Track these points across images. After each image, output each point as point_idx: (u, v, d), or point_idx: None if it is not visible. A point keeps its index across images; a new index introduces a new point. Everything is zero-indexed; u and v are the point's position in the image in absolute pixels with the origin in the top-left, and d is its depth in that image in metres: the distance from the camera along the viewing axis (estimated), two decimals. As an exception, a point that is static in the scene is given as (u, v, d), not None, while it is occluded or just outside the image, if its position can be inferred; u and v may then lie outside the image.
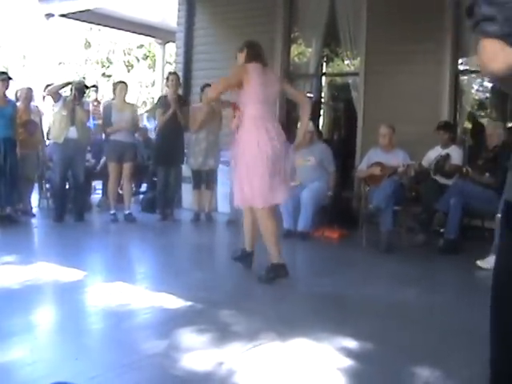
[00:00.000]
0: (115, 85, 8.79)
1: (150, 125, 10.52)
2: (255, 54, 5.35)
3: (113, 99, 8.94)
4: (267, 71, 5.38)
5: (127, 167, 8.50)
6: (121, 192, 8.91)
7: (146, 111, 11.56)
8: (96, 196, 10.57)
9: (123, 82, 8.83)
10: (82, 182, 8.43)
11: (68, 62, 23.66)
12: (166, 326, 3.91)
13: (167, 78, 8.91)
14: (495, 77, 1.45)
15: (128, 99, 9.07)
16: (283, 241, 7.26)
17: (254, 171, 5.08)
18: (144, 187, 10.83)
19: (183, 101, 8.74)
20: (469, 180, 6.89)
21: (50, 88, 8.42)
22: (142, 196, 10.45)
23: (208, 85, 8.67)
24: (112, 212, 8.45)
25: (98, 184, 10.84)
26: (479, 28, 1.44)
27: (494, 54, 1.42)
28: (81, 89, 8.25)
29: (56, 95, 8.17)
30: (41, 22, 13.36)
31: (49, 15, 13.05)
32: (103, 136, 9.77)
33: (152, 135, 10.10)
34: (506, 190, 1.58)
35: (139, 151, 9.39)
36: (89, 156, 9.73)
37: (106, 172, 8.92)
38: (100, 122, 10.73)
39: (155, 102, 11.73)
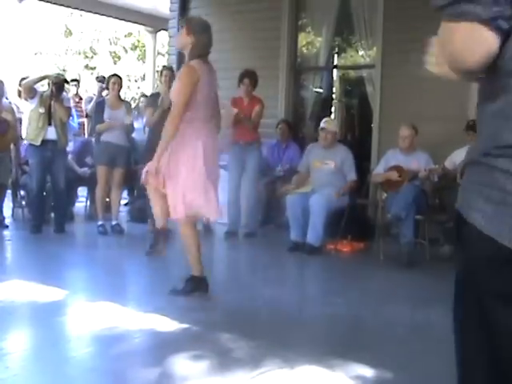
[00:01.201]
0: (108, 79, 8.81)
1: (137, 124, 10.55)
2: (206, 44, 5.14)
3: (99, 96, 8.95)
4: (210, 68, 5.21)
5: (118, 173, 8.50)
6: (108, 200, 8.91)
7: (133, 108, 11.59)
8: (80, 204, 10.57)
9: (117, 76, 8.82)
10: (63, 189, 8.42)
11: (46, 51, 23.74)
12: (158, 352, 3.91)
13: (160, 73, 8.92)
14: (468, 70, 1.35)
15: (122, 96, 9.06)
16: (290, 255, 7.30)
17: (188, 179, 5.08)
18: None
19: None
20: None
21: (23, 82, 8.41)
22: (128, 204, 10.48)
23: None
24: (100, 223, 8.43)
25: (81, 191, 10.85)
26: (455, 9, 1.30)
27: (473, 42, 1.30)
28: (59, 83, 8.23)
29: (31, 91, 8.14)
30: (12, 5, 13.33)
31: (22, -3, 13.06)
32: (85, 136, 9.80)
33: (138, 136, 10.10)
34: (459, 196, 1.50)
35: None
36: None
37: (94, 178, 8.90)
38: (84, 120, 10.76)
39: (140, 96, 11.79)
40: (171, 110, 5.13)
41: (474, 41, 1.30)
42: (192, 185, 5.03)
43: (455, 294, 1.49)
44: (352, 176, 7.78)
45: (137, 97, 22.67)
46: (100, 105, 8.74)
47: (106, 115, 8.40)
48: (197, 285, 5.26)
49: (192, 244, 5.25)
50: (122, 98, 9.00)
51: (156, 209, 5.38)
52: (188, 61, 5.09)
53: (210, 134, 5.19)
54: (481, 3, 1.27)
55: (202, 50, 5.08)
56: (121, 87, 8.71)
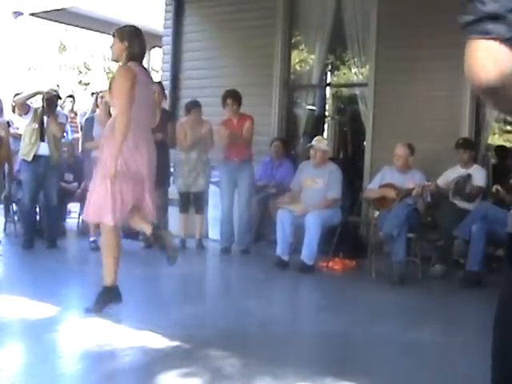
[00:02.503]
0: (97, 95, 8.79)
1: None
2: (139, 49, 5.18)
3: (93, 111, 8.95)
4: (146, 72, 5.32)
5: None
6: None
7: None
8: (72, 220, 10.55)
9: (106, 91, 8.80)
10: (56, 205, 8.41)
11: (40, 67, 23.74)
12: (149, 369, 3.90)
13: None
14: (488, 88, 1.34)
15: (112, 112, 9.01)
16: (275, 272, 7.29)
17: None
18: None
19: (169, 116, 8.77)
20: (499, 201, 6.91)
21: (16, 99, 8.40)
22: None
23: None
24: (92, 239, 8.41)
25: (73, 207, 10.83)
26: (479, 27, 1.33)
27: (493, 60, 1.31)
28: (51, 98, 8.22)
29: (24, 107, 8.14)
30: (7, 21, 13.33)
31: (17, 13, 13.00)
32: (79, 152, 9.79)
33: None
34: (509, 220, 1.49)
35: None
36: (70, 176, 9.67)
37: (85, 194, 8.88)
38: (79, 135, 10.76)
39: None
40: (117, 113, 5.05)
41: (493, 59, 1.32)
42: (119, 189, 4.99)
43: (499, 316, 1.48)
44: (332, 193, 7.71)
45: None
46: (89, 121, 8.74)
47: (94, 132, 8.39)
48: (110, 296, 5.17)
49: (110, 252, 5.19)
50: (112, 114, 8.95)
51: (108, 262, 5.22)
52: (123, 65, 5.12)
53: (142, 136, 5.14)
54: (504, 23, 1.30)
55: (135, 54, 5.13)
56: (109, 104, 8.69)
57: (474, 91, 1.37)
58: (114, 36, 5.20)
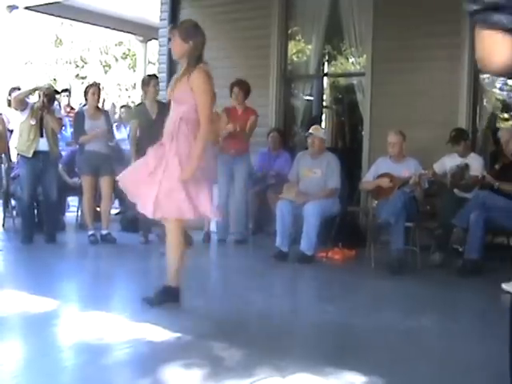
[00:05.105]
0: (87, 88, 8.74)
1: (119, 135, 10.52)
2: (203, 44, 5.01)
3: (84, 105, 8.94)
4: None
5: (106, 181, 8.49)
6: (98, 209, 8.89)
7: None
8: (71, 214, 10.55)
9: (95, 85, 8.76)
10: (55, 199, 8.40)
11: (36, 61, 23.70)
12: (149, 362, 3.91)
13: (147, 83, 8.76)
14: (495, 74, 1.43)
15: (102, 105, 8.99)
16: (275, 263, 7.29)
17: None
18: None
19: (166, 109, 8.75)
20: (487, 188, 6.92)
21: (15, 95, 8.36)
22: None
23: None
24: (90, 233, 8.42)
25: (72, 200, 10.84)
26: (481, 17, 1.38)
27: (495, 48, 1.37)
28: (50, 94, 8.22)
29: (22, 103, 8.13)
30: (2, 15, 13.29)
31: (12, 7, 12.94)
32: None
33: (124, 145, 10.12)
34: None
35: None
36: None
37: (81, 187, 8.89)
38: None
39: (121, 107, 11.76)
40: (202, 118, 4.96)
41: (497, 48, 1.37)
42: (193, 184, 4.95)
43: None
44: (332, 183, 7.72)
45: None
46: (79, 115, 8.70)
47: (86, 126, 8.38)
48: (170, 296, 5.12)
49: (177, 251, 5.13)
50: (102, 107, 8.96)
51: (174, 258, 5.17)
52: (191, 65, 4.95)
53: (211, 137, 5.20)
54: (505, 13, 1.33)
55: (200, 52, 5.00)
56: (99, 96, 8.68)
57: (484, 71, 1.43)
58: (173, 34, 5.01)
